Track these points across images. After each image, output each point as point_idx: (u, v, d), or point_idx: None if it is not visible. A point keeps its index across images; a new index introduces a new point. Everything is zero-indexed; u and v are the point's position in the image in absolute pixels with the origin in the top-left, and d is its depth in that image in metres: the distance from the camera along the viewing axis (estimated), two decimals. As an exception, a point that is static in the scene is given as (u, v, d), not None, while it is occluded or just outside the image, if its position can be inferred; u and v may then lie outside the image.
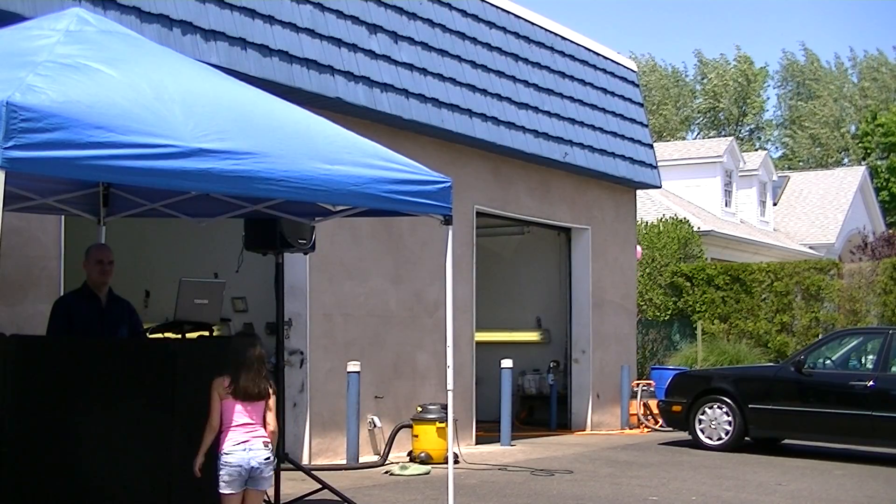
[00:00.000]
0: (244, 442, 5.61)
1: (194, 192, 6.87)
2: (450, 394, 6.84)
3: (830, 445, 12.69)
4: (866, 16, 72.96)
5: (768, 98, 53.85)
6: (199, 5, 9.34)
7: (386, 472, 10.23)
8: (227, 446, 5.61)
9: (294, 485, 8.08)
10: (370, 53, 11.25)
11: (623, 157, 16.01)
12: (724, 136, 44.04)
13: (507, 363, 12.99)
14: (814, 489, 9.90)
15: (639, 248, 19.45)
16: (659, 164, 17.62)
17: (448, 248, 6.50)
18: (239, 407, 5.67)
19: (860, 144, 44.88)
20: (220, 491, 5.62)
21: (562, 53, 15.10)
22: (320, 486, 7.78)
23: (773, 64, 61.66)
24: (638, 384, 16.04)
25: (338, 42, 10.85)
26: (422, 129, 11.98)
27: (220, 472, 5.61)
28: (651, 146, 17.10)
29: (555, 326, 16.46)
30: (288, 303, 10.02)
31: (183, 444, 6.16)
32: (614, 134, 15.87)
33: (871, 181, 38.07)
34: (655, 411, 15.33)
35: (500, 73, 13.48)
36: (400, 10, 11.93)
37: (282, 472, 7.66)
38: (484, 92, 13.01)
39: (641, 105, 17.17)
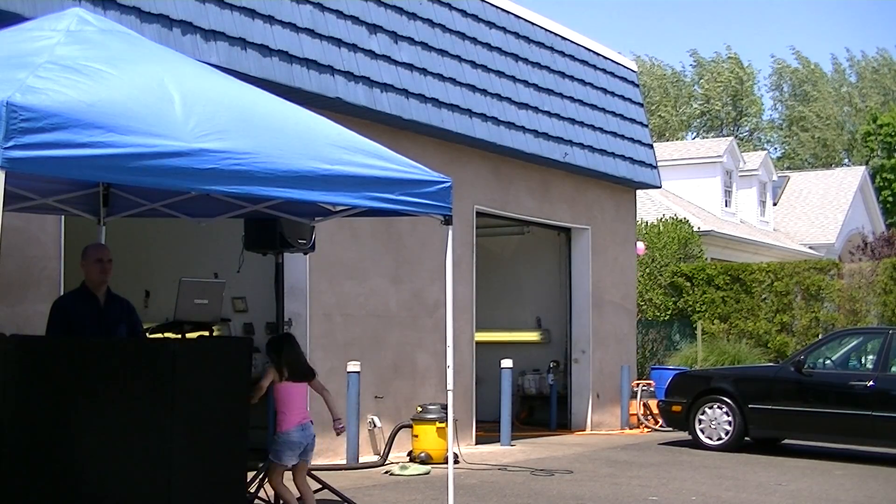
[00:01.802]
0: (301, 422, 6.97)
1: (194, 192, 6.87)
2: (450, 394, 6.84)
3: (830, 445, 12.69)
4: (862, 17, 73.00)
5: (762, 98, 53.73)
6: (199, 5, 9.34)
7: (386, 472, 10.23)
8: (288, 427, 6.92)
9: (294, 485, 8.06)
10: (370, 53, 11.25)
11: (623, 157, 16.01)
12: (723, 136, 44.05)
13: (507, 363, 13.00)
14: (814, 489, 9.90)
15: (641, 244, 19.43)
16: (659, 164, 17.63)
17: (448, 248, 6.50)
18: (293, 389, 6.96)
19: (865, 145, 44.88)
20: (284, 462, 7.03)
21: (562, 53, 15.10)
22: (320, 486, 7.78)
23: (765, 68, 61.69)
24: (638, 384, 16.04)
25: (338, 42, 10.85)
26: (422, 129, 11.98)
27: (282, 449, 6.97)
28: (651, 146, 17.10)
29: (555, 326, 16.45)
30: (288, 303, 10.01)
31: (183, 444, 6.16)
32: (614, 134, 15.87)
33: (872, 181, 38.09)
34: (655, 411, 15.33)
35: (500, 73, 13.48)
36: (400, 10, 11.93)
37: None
38: (484, 92, 13.01)
39: (641, 105, 17.17)
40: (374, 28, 11.44)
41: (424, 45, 12.17)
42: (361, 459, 10.79)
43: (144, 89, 5.21)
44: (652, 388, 16.15)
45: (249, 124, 5.52)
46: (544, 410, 15.83)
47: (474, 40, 13.17)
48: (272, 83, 9.51)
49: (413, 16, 12.13)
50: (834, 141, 49.47)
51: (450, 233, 6.47)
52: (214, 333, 7.05)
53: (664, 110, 49.44)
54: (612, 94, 16.17)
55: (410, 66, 11.82)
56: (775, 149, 52.44)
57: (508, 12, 14.09)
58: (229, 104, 5.66)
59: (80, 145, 4.59)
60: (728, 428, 12.82)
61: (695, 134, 51.26)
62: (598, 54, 16.07)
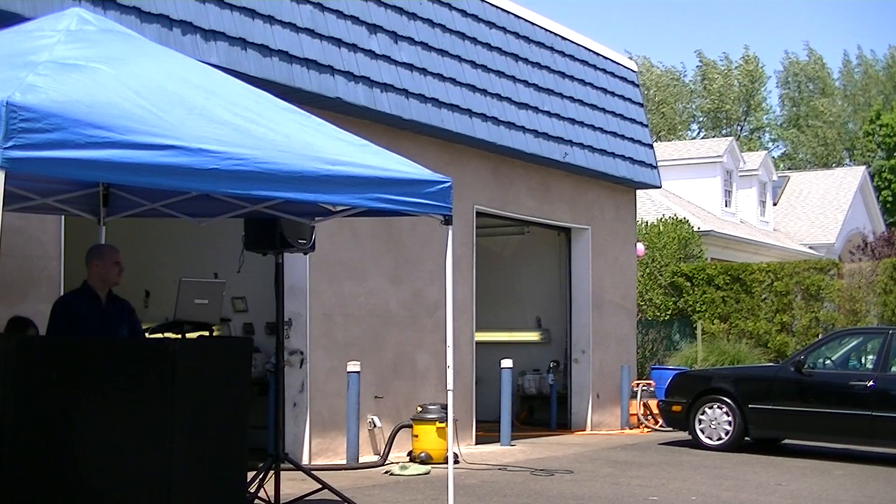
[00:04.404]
0: None
1: (194, 192, 6.87)
2: (450, 394, 6.84)
3: (830, 445, 12.69)
4: (871, 15, 73.03)
5: (769, 99, 53.80)
6: (199, 5, 9.34)
7: (386, 472, 10.23)
8: None
9: (294, 485, 8.08)
10: (370, 53, 11.25)
11: (623, 157, 16.01)
12: (726, 135, 44.05)
13: (507, 363, 12.99)
14: (814, 489, 9.90)
15: (641, 245, 19.43)
16: (659, 164, 17.63)
17: (448, 248, 6.50)
18: None
19: (864, 144, 44.88)
20: None
21: (562, 53, 15.10)
22: (320, 486, 7.78)
23: (775, 64, 61.87)
24: (638, 384, 16.04)
25: (338, 42, 10.85)
26: (422, 129, 11.98)
27: None
28: (651, 146, 17.10)
29: (555, 326, 16.45)
30: (288, 303, 10.02)
31: (183, 444, 6.16)
32: (614, 134, 15.87)
33: (871, 181, 38.09)
34: (655, 411, 15.33)
35: (500, 73, 13.48)
36: (400, 10, 11.93)
37: (282, 472, 7.67)
38: (484, 92, 13.01)
39: (641, 105, 17.17)
40: (374, 28, 11.44)
41: (424, 45, 12.17)
42: (361, 459, 10.79)
43: (144, 89, 5.21)
44: (652, 388, 16.14)
45: (249, 125, 5.52)
46: (544, 410, 15.83)
47: (474, 40, 13.17)
48: (272, 83, 9.51)
49: (413, 16, 12.13)
50: (835, 140, 49.45)
51: (450, 233, 6.47)
52: (214, 333, 7.05)
53: (665, 108, 49.37)
54: (612, 94, 16.17)
55: (410, 66, 11.81)
56: (777, 146, 52.49)
57: (508, 12, 14.09)
58: (229, 105, 5.66)
59: (79, 145, 4.59)
60: (728, 428, 12.82)
61: (697, 131, 51.21)
62: (598, 54, 16.07)
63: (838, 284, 20.44)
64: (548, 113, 14.28)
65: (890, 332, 12.39)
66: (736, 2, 72.62)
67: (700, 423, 13.07)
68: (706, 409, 13.03)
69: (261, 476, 7.46)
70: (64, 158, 4.56)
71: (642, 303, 21.08)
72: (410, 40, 11.96)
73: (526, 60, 14.16)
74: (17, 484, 5.66)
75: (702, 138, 45.58)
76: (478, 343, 13.33)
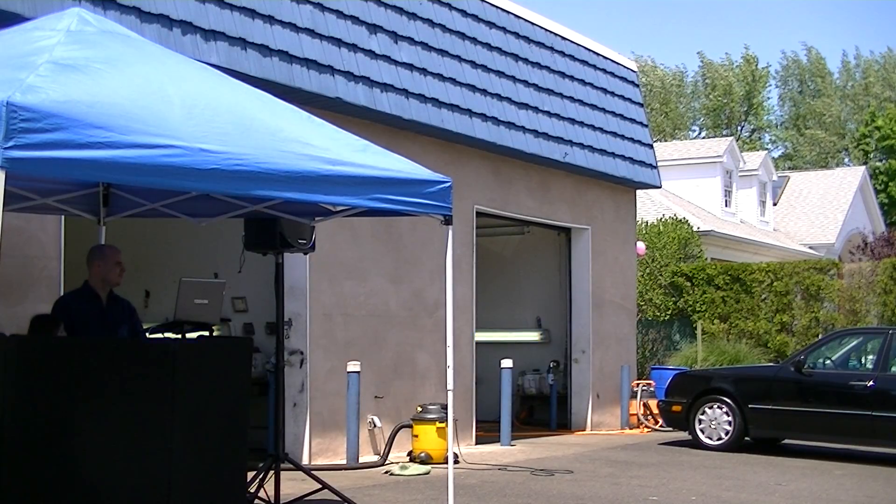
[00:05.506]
0: None
1: (194, 192, 6.87)
2: (450, 394, 6.84)
3: (830, 445, 12.69)
4: (871, 16, 73.03)
5: (769, 98, 53.79)
6: (199, 5, 9.34)
7: (386, 472, 10.23)
8: None
9: (294, 485, 8.08)
10: (370, 53, 11.25)
11: (623, 157, 16.01)
12: (727, 135, 44.07)
13: (507, 363, 12.99)
14: (814, 489, 9.90)
15: (641, 244, 19.43)
16: (659, 164, 17.63)
17: (448, 248, 6.50)
18: None
19: (858, 147, 44.94)
20: None
21: (562, 53, 15.10)
22: (320, 486, 7.78)
23: (774, 64, 62.05)
24: (638, 384, 16.04)
25: (338, 42, 10.86)
26: (422, 129, 11.98)
27: None
28: (651, 146, 17.10)
29: (555, 326, 16.45)
30: (288, 303, 10.02)
31: (183, 444, 6.16)
32: (614, 134, 15.87)
33: (870, 181, 38.08)
34: (655, 411, 15.33)
35: (500, 73, 13.48)
36: (400, 10, 11.93)
37: (282, 472, 7.67)
38: (484, 92, 13.01)
39: (641, 105, 17.17)
40: (374, 28, 11.44)
41: (424, 45, 12.17)
42: (361, 459, 10.79)
43: (144, 90, 5.21)
44: (652, 388, 16.14)
45: (249, 125, 5.52)
46: (544, 410, 15.83)
47: (474, 40, 13.17)
48: (272, 83, 9.51)
49: (413, 16, 12.12)
50: (834, 143, 49.45)
51: (450, 233, 6.47)
52: (214, 333, 7.05)
53: (669, 108, 49.33)
54: (612, 94, 16.16)
55: (410, 66, 11.81)
56: (776, 146, 52.50)
57: (508, 12, 14.09)
58: (229, 105, 5.67)
59: (80, 145, 4.59)
60: (728, 428, 12.82)
61: (698, 132, 51.18)
62: (598, 54, 16.07)
63: (838, 284, 20.44)
64: (548, 113, 14.28)
65: (890, 332, 12.40)
66: (736, 2, 72.70)
67: (700, 423, 13.07)
68: (706, 409, 13.04)
69: (261, 476, 7.46)
70: (64, 158, 4.56)
71: (642, 303, 21.08)
72: (410, 40, 11.96)
73: (526, 60, 14.16)
74: (18, 483, 5.66)
75: (702, 138, 45.59)
76: (478, 343, 13.34)
